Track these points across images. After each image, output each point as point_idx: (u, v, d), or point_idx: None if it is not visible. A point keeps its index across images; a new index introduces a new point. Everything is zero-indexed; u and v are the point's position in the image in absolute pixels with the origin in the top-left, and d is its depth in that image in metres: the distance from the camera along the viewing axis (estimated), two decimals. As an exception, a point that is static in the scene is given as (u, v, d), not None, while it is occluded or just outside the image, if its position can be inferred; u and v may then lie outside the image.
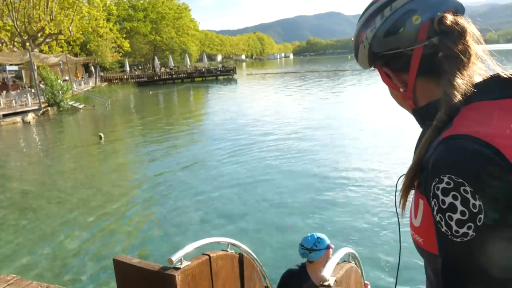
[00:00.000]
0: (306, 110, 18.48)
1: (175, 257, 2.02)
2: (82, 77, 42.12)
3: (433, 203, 0.70)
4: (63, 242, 5.97)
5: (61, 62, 33.07)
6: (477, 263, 0.66)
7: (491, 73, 0.79)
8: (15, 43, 33.00)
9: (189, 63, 60.43)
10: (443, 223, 0.68)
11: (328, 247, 2.73)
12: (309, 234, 2.84)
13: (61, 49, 39.63)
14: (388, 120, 13.58)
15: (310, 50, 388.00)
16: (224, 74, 52.98)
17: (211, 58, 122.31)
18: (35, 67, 26.54)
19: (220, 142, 12.39)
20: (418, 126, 0.96)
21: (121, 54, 49.62)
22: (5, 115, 20.04)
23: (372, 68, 0.96)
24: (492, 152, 0.65)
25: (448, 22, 0.78)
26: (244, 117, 17.51)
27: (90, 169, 10.53)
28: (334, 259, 2.28)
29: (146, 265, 2.06)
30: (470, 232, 0.65)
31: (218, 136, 13.48)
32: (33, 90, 24.94)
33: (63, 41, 39.42)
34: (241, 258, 2.69)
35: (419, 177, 0.79)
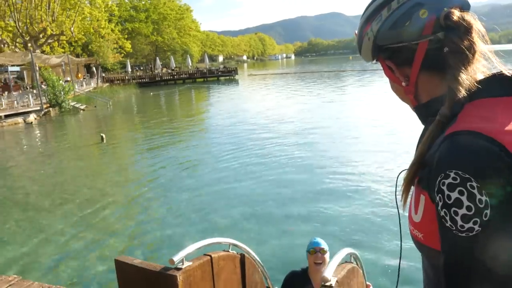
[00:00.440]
0: (307, 110, 18.46)
1: (176, 258, 2.02)
2: (84, 78, 42.17)
3: (437, 198, 0.70)
4: (65, 242, 5.98)
5: (63, 63, 33.13)
6: (481, 259, 0.67)
7: (494, 71, 0.80)
8: (17, 44, 33.09)
9: (190, 64, 60.55)
10: (447, 218, 0.68)
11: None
12: (317, 239, 2.89)
13: (63, 50, 39.73)
14: (389, 120, 13.57)
15: (311, 50, 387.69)
16: (226, 75, 53.02)
17: (212, 58, 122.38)
18: (37, 68, 26.59)
19: (222, 142, 12.39)
20: (418, 125, 0.96)
21: (122, 55, 49.75)
22: (7, 116, 20.08)
23: (375, 61, 0.96)
24: (498, 148, 0.66)
25: (455, 17, 0.78)
26: (245, 117, 17.51)
27: (92, 170, 10.55)
28: (336, 259, 2.27)
29: (148, 266, 2.06)
30: (476, 227, 0.65)
31: (220, 136, 13.48)
32: (35, 91, 24.98)
33: (65, 42, 39.55)
34: (242, 258, 2.69)
35: (421, 173, 0.80)
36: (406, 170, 0.82)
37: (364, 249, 4.98)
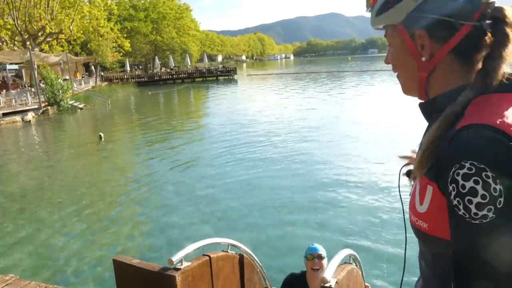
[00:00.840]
0: (306, 110, 18.46)
1: (175, 258, 2.01)
2: (83, 77, 42.13)
3: (450, 188, 0.72)
4: (62, 241, 5.96)
5: (61, 61, 33.08)
6: (493, 246, 0.69)
7: None
8: (16, 42, 33.03)
9: (189, 63, 60.48)
10: (461, 206, 0.70)
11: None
12: (314, 243, 2.91)
13: (61, 49, 39.66)
14: (387, 120, 13.57)
15: (310, 51, 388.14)
16: (225, 75, 53.03)
17: (211, 58, 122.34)
18: (35, 66, 26.53)
19: (220, 142, 12.38)
20: (416, 124, 0.96)
21: (121, 53, 49.65)
22: (4, 114, 20.03)
23: (381, 27, 0.94)
24: (508, 140, 0.70)
25: (508, 12, 0.80)
26: (244, 117, 17.50)
27: (90, 169, 10.52)
28: (335, 260, 2.27)
29: (146, 266, 2.04)
30: (490, 214, 0.68)
31: (218, 136, 13.47)
32: (33, 89, 24.95)
33: (63, 40, 39.45)
34: (241, 259, 2.68)
35: (429, 164, 0.82)
36: (417, 160, 0.83)
37: (362, 250, 4.97)
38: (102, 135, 13.88)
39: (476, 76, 0.84)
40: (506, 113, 0.75)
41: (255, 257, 2.88)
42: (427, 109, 0.94)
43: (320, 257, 2.82)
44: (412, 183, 0.95)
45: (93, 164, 11.15)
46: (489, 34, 0.82)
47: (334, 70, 58.01)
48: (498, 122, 0.73)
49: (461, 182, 0.70)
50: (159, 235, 6.08)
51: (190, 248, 2.14)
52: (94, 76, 43.14)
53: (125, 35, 51.92)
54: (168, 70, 56.25)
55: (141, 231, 6.33)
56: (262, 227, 6.08)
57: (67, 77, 32.69)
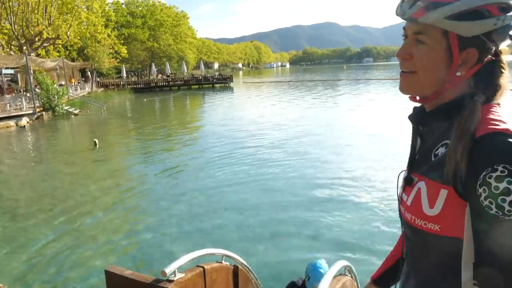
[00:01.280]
0: (301, 118, 18.47)
1: (168, 269, 1.98)
2: (79, 82, 42.02)
3: (480, 190, 0.78)
4: (54, 250, 5.88)
5: (57, 66, 32.99)
6: None
7: None
8: (12, 47, 32.92)
9: (186, 71, 60.58)
10: (493, 206, 0.77)
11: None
12: (317, 262, 2.90)
13: (58, 54, 39.61)
14: (382, 128, 13.60)
15: (306, 59, 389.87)
16: (221, 82, 53.10)
17: (208, 65, 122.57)
18: (31, 71, 26.43)
19: (215, 150, 12.34)
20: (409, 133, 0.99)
21: (118, 60, 49.63)
22: (-1, 119, 19.91)
23: (424, 21, 0.91)
24: None
25: None
26: (239, 125, 17.49)
27: (83, 175, 10.44)
28: (331, 272, 2.24)
29: (139, 277, 2.01)
30: None
31: (213, 144, 13.44)
32: (28, 94, 24.83)
33: (60, 45, 39.42)
34: (236, 270, 2.64)
35: (439, 170, 0.89)
36: (450, 165, 0.85)
37: (358, 261, 4.94)
38: (96, 141, 13.81)
39: (480, 87, 0.93)
40: (508, 121, 0.85)
41: (250, 268, 2.84)
42: (430, 115, 1.00)
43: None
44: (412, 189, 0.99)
45: (87, 171, 11.06)
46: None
47: (330, 78, 58.25)
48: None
49: (494, 184, 0.76)
50: (153, 245, 6.02)
51: (183, 259, 2.11)
52: (90, 82, 43.05)
53: (122, 41, 51.91)
54: (165, 77, 56.22)
55: (134, 240, 6.26)
56: (257, 237, 6.04)
57: (63, 83, 32.59)
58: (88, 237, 6.30)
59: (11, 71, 31.17)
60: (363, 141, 12.52)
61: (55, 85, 24.72)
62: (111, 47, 45.81)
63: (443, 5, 0.88)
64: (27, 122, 20.90)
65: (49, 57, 36.13)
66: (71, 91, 31.46)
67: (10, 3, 30.33)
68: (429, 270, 0.98)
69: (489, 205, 0.78)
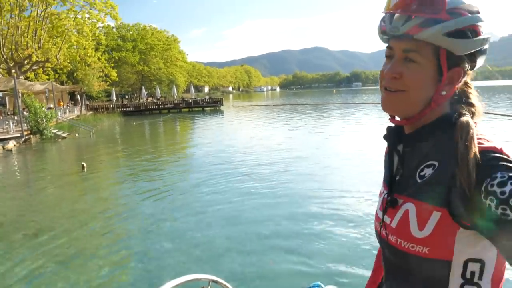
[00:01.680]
0: (290, 141, 18.52)
1: (152, 297, 1.91)
2: (68, 105, 41.86)
3: (488, 202, 0.75)
4: (37, 277, 5.71)
5: (46, 89, 32.89)
6: None
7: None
8: (0, 69, 32.82)
9: (176, 94, 60.87)
10: (508, 211, 0.73)
11: None
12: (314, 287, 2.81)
13: (47, 77, 39.54)
14: (372, 152, 13.67)
15: (296, 83, 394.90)
16: (211, 106, 53.34)
17: (198, 89, 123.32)
18: (20, 94, 26.31)
19: (204, 173, 12.26)
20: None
21: (108, 83, 49.71)
22: (-15, 142, 19.64)
23: (414, 36, 0.90)
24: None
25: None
26: (229, 147, 17.46)
27: (70, 200, 10.27)
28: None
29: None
30: None
31: (202, 167, 13.36)
32: (16, 117, 24.62)
33: (50, 69, 39.39)
34: (222, 296, 2.57)
35: (431, 192, 0.88)
36: (468, 185, 0.82)
37: (346, 285, 4.88)
38: (84, 164, 13.66)
39: (457, 107, 0.95)
40: (489, 139, 0.87)
41: (237, 294, 2.77)
42: (413, 135, 1.00)
43: None
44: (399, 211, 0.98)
45: (74, 195, 10.89)
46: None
47: (320, 102, 58.85)
48: (497, 147, 0.83)
49: (498, 190, 0.74)
50: (138, 269, 5.88)
51: (168, 285, 2.05)
52: (80, 105, 42.92)
53: (112, 64, 52.17)
54: (155, 100, 56.36)
55: (119, 265, 6.12)
56: (244, 261, 5.94)
57: (52, 106, 32.45)
58: (73, 262, 6.15)
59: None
60: (351, 163, 12.55)
61: (43, 108, 24.59)
62: (101, 70, 45.94)
63: (440, 21, 0.87)
64: (14, 146, 20.64)
65: (38, 80, 36.06)
66: (59, 114, 31.30)
67: (0, 27, 30.42)
68: None
69: (504, 212, 0.74)
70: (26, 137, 22.42)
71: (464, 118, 0.89)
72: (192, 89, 64.87)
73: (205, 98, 61.10)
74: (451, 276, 0.89)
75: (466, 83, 0.99)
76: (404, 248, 0.93)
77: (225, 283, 2.68)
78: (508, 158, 0.80)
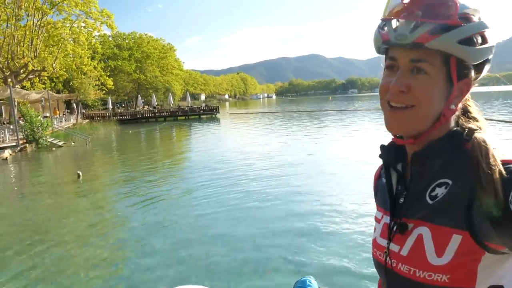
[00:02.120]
0: (286, 148, 18.51)
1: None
2: (64, 114, 41.77)
3: None
4: (32, 286, 5.64)
5: (42, 98, 32.82)
6: None
7: None
8: (-4, 79, 32.77)
9: (172, 102, 60.85)
10: None
11: None
12: (306, 280, 2.72)
13: (43, 86, 39.51)
14: (366, 159, 13.67)
15: (292, 90, 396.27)
16: (207, 113, 53.41)
17: (194, 97, 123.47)
18: (16, 103, 26.24)
19: (200, 181, 12.22)
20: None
21: (104, 91, 49.70)
22: (-20, 152, 19.54)
23: (426, 46, 0.81)
24: None
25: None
26: (225, 155, 17.43)
27: (65, 209, 10.20)
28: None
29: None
30: None
31: (198, 175, 13.31)
32: (11, 126, 24.53)
33: (46, 77, 39.37)
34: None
35: (451, 214, 0.81)
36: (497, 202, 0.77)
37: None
38: (80, 173, 13.59)
39: (467, 122, 0.90)
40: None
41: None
42: (422, 153, 0.90)
43: None
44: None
45: (69, 204, 10.82)
46: None
47: (316, 109, 59.00)
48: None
49: None
50: (133, 279, 5.82)
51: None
52: (76, 114, 42.84)
53: (108, 73, 52.12)
54: (151, 108, 56.36)
55: (115, 276, 6.06)
56: (240, 271, 5.89)
57: (48, 114, 32.36)
58: (68, 272, 6.08)
59: (-5, 103, 30.93)
60: (347, 170, 12.55)
61: (39, 117, 24.52)
62: (97, 79, 45.93)
63: (452, 28, 0.80)
64: (10, 155, 20.53)
65: (34, 89, 36.02)
66: (55, 123, 31.21)
67: (-4, 36, 30.44)
68: None
69: None
70: (22, 146, 22.31)
71: (478, 135, 0.83)
72: (189, 97, 64.84)
73: (202, 106, 61.14)
74: None
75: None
76: (419, 278, 0.84)
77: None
78: None
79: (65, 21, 36.53)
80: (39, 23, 33.83)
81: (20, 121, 25.12)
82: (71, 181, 13.54)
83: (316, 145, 19.84)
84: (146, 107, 62.56)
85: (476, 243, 0.78)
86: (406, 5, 0.84)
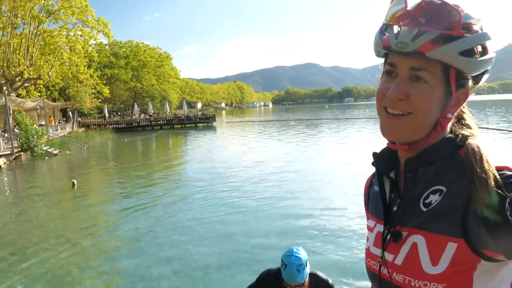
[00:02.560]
0: (282, 156, 18.49)
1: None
2: (60, 122, 41.65)
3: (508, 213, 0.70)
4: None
5: (38, 106, 32.73)
6: None
7: None
8: (-8, 87, 32.68)
9: (168, 110, 60.86)
10: None
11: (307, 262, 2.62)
12: (293, 249, 2.69)
13: (39, 94, 39.40)
14: (362, 166, 13.67)
15: (288, 99, 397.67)
16: (204, 122, 53.45)
17: (191, 105, 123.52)
18: (11, 111, 26.14)
19: (196, 190, 12.15)
20: None
21: (100, 100, 49.62)
22: (-26, 160, 19.39)
23: (427, 54, 0.80)
24: None
25: None
26: (221, 163, 17.38)
27: (59, 218, 10.10)
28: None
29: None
30: None
31: (194, 184, 13.25)
32: (6, 135, 24.41)
33: (41, 86, 39.29)
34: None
35: (446, 222, 0.80)
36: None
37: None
38: (75, 182, 13.50)
39: (461, 129, 0.90)
40: None
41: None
42: (415, 160, 0.89)
43: (299, 286, 2.54)
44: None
45: (64, 213, 10.72)
46: None
47: (312, 118, 59.15)
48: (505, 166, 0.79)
49: None
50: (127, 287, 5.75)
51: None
52: (71, 122, 42.72)
53: (104, 81, 52.17)
54: (147, 117, 56.32)
55: (109, 282, 5.98)
56: (233, 273, 5.83)
57: (43, 123, 32.25)
58: (61, 282, 6.00)
59: (-11, 112, 30.79)
60: (343, 177, 12.53)
61: (34, 125, 24.41)
62: (93, 87, 45.87)
63: (455, 38, 0.78)
64: (4, 163, 20.39)
65: (29, 97, 35.94)
66: (51, 131, 31.10)
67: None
68: None
69: None
70: (17, 154, 22.19)
71: (472, 141, 0.83)
72: (185, 106, 64.98)
73: (198, 114, 61.25)
74: None
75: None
76: (416, 287, 0.82)
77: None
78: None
79: (62, 30, 36.58)
80: (35, 31, 33.85)
81: (15, 129, 25.00)
82: (65, 190, 13.44)
83: (312, 152, 19.84)
84: (142, 115, 62.54)
85: (472, 250, 0.77)
86: (409, 10, 0.82)
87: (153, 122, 51.88)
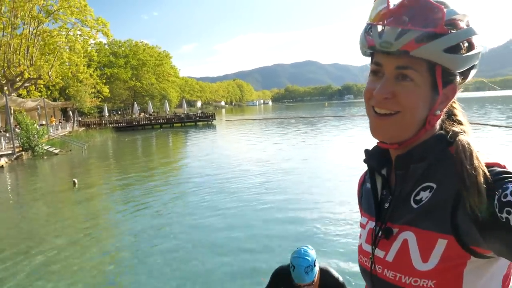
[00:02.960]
0: (282, 154, 18.61)
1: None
2: (60, 122, 41.77)
3: (504, 213, 0.67)
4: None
5: (38, 106, 32.87)
6: None
7: None
8: (-8, 87, 32.81)
9: (168, 109, 60.89)
10: None
11: (315, 262, 2.58)
12: (301, 249, 2.63)
13: (39, 94, 39.51)
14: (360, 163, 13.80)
15: (288, 97, 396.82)
16: (203, 120, 53.55)
17: (190, 104, 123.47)
18: (11, 111, 26.28)
19: (196, 189, 12.29)
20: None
21: (100, 99, 49.74)
22: (-24, 160, 19.57)
23: (412, 53, 0.79)
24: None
25: None
26: (221, 162, 17.51)
27: (61, 217, 10.25)
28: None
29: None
30: None
31: (195, 183, 13.39)
32: (7, 134, 24.57)
33: (42, 85, 39.40)
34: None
35: (436, 218, 0.80)
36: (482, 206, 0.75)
37: None
38: (76, 181, 13.65)
39: (452, 125, 0.90)
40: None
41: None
42: (405, 158, 0.89)
43: (309, 285, 2.50)
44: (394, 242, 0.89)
45: (65, 212, 10.88)
46: None
47: (312, 115, 59.14)
48: (502, 163, 0.78)
49: None
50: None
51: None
52: (72, 121, 42.85)
53: (104, 81, 52.26)
54: (147, 116, 56.41)
55: (109, 282, 6.14)
56: (234, 276, 5.98)
57: (44, 122, 32.39)
58: (63, 281, 6.16)
59: (-10, 112, 30.94)
60: (342, 175, 12.67)
61: (35, 125, 24.56)
62: (93, 86, 46.00)
63: (439, 35, 0.78)
64: (6, 163, 20.55)
65: (30, 97, 36.06)
66: (52, 131, 31.24)
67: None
68: None
69: None
70: (18, 154, 22.34)
71: (462, 137, 0.83)
72: (185, 104, 64.97)
73: (198, 113, 61.40)
74: None
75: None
76: (405, 284, 0.82)
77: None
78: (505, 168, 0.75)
79: (61, 29, 36.71)
80: (35, 31, 33.97)
81: (16, 129, 25.15)
82: (67, 189, 13.61)
83: (312, 150, 19.94)
84: (142, 114, 62.69)
85: (462, 247, 0.76)
86: (392, 9, 0.81)
87: (153, 121, 52.01)
